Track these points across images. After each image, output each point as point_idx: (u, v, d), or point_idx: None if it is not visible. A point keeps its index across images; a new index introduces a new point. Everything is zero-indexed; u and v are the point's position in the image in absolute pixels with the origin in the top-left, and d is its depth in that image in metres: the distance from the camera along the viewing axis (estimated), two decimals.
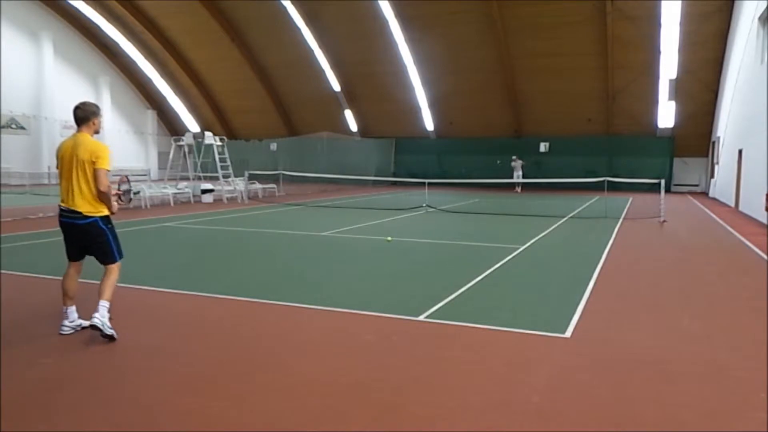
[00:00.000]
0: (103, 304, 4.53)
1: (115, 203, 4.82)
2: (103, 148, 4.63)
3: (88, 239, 4.66)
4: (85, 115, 4.63)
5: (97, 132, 4.71)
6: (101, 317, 4.46)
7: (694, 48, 24.73)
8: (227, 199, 19.69)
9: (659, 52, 25.55)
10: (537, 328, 4.94)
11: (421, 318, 5.27)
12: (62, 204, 4.62)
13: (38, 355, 4.25)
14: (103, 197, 4.61)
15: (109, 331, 4.46)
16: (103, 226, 4.64)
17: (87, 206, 4.57)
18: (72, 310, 4.75)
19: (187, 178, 21.99)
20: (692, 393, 3.68)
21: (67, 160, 4.58)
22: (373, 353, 4.37)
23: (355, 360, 4.22)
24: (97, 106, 4.76)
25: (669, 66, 25.86)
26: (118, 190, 4.98)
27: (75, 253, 4.78)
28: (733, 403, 3.54)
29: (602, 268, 7.87)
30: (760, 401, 3.53)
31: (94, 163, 4.52)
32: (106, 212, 4.67)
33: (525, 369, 4.06)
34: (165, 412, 3.35)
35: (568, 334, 4.83)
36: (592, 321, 5.23)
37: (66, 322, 4.74)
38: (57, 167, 4.69)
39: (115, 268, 4.74)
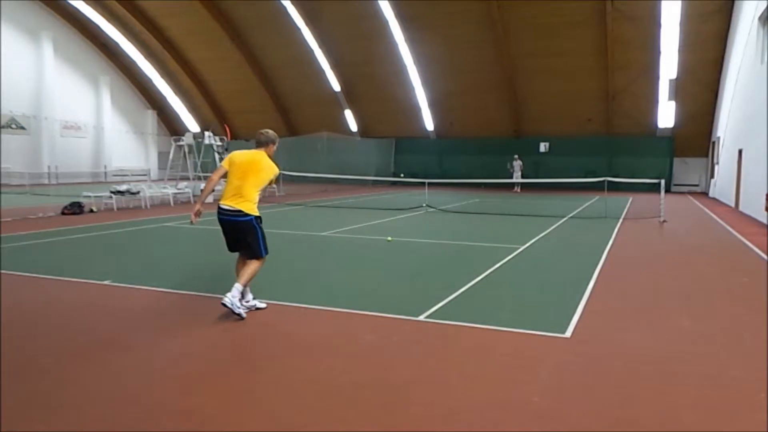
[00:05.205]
0: (237, 287, 5.11)
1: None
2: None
3: (242, 234, 5.33)
4: (267, 140, 5.53)
5: (270, 157, 5.52)
6: (231, 297, 5.06)
7: (694, 48, 24.72)
8: None
9: (659, 53, 25.54)
10: (537, 328, 4.94)
11: (421, 318, 5.27)
12: (224, 203, 5.29)
13: (38, 355, 4.25)
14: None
15: (238, 311, 5.07)
16: (256, 225, 5.33)
17: (248, 207, 5.29)
18: (245, 291, 5.33)
19: (187, 178, 21.96)
20: (692, 393, 3.68)
21: (244, 167, 5.31)
22: (373, 353, 4.37)
23: (355, 360, 4.22)
24: (276, 137, 5.60)
25: (669, 66, 25.84)
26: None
27: (232, 246, 5.48)
28: (733, 403, 3.54)
29: (602, 268, 7.86)
30: (760, 401, 3.53)
31: (272, 180, 5.51)
32: (258, 213, 5.38)
33: (525, 369, 4.06)
34: (165, 412, 3.35)
35: (568, 334, 4.83)
36: (592, 321, 5.23)
37: (241, 302, 5.30)
38: (223, 170, 5.43)
39: (259, 262, 5.35)
